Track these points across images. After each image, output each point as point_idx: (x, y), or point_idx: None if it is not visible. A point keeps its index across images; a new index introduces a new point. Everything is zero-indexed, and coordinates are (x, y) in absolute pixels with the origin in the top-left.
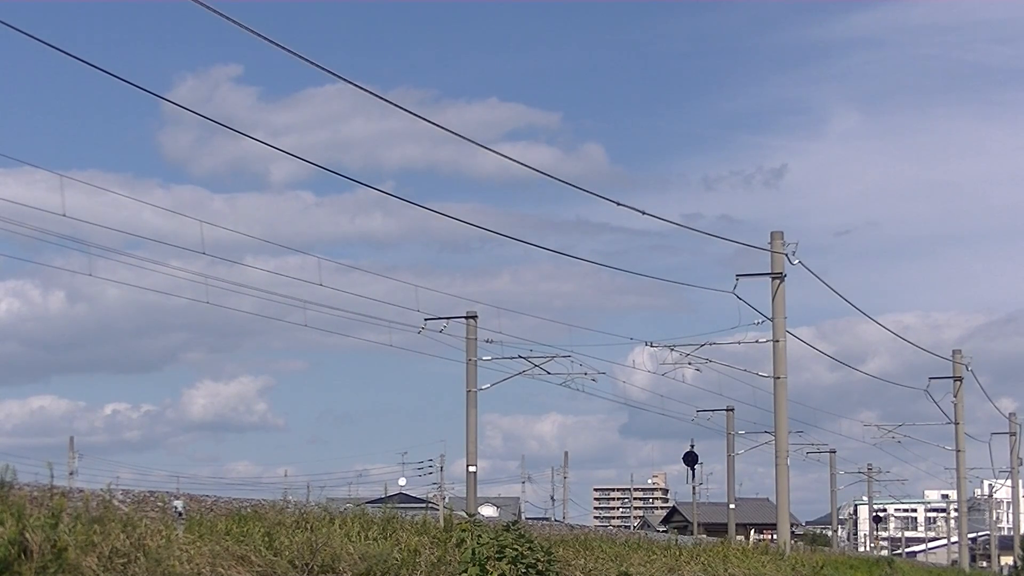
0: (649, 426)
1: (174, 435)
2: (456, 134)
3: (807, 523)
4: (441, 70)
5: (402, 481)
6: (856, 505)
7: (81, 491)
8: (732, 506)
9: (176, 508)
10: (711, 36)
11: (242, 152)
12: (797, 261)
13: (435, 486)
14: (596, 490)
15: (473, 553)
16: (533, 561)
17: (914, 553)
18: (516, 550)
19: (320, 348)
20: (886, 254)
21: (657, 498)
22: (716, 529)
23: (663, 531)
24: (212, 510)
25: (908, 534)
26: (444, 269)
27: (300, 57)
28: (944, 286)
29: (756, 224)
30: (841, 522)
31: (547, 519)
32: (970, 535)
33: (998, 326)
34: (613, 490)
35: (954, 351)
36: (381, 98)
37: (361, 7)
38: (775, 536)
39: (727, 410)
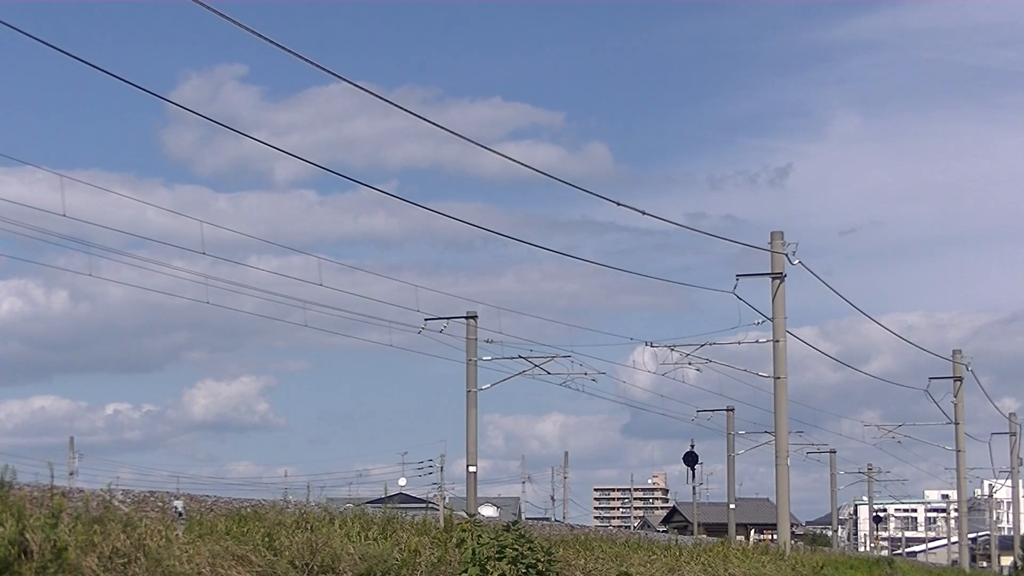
0: (650, 426)
1: (175, 435)
2: (458, 135)
3: (807, 523)
4: (445, 69)
5: (402, 481)
6: (856, 505)
7: (81, 491)
8: (732, 506)
9: (176, 508)
10: (713, 39)
11: (246, 151)
12: (797, 261)
13: (435, 486)
14: (596, 490)
15: (473, 553)
16: (533, 561)
17: (914, 553)
18: (516, 550)
19: (321, 348)
20: (890, 254)
21: (657, 498)
22: (716, 529)
23: (663, 531)
24: (212, 510)
25: (908, 534)
26: (448, 268)
27: (302, 58)
28: (947, 286)
29: (760, 224)
30: (841, 522)
31: (547, 519)
32: (970, 535)
33: (1001, 326)
34: (613, 490)
35: (954, 351)
36: (382, 99)
37: (365, 7)
38: (775, 536)
39: (727, 410)
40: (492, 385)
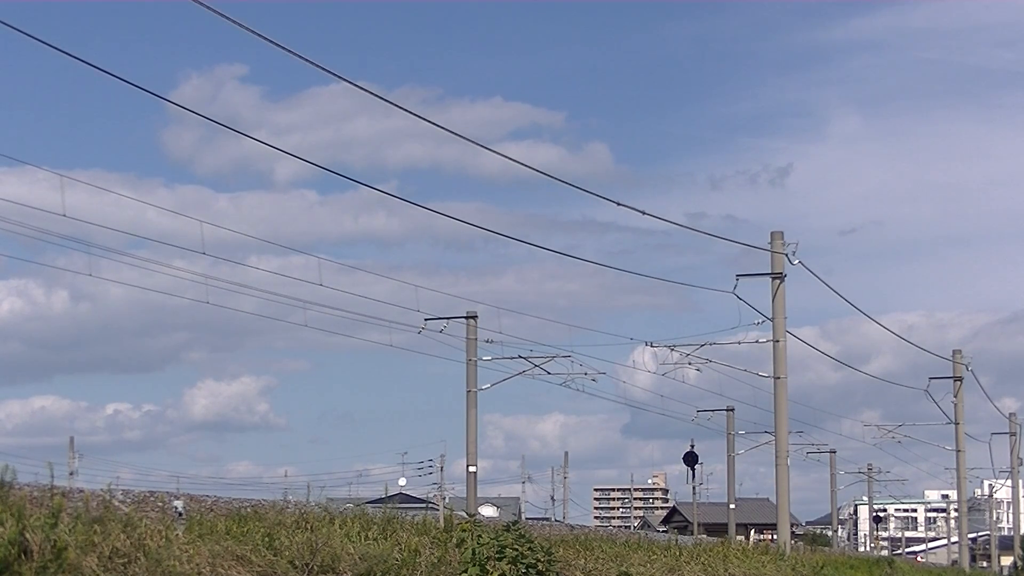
0: (650, 426)
1: (175, 435)
2: (458, 135)
3: (807, 523)
4: (445, 69)
5: (402, 481)
6: (856, 505)
7: (81, 491)
8: (732, 506)
9: (176, 508)
10: (714, 39)
11: (246, 151)
12: (797, 261)
13: (435, 486)
14: (596, 490)
15: (473, 553)
16: (533, 561)
17: (914, 553)
18: (516, 550)
19: (321, 348)
20: (890, 254)
21: (657, 498)
22: (716, 529)
23: (663, 531)
24: (212, 510)
25: (908, 534)
26: (448, 268)
27: (302, 58)
28: (947, 286)
29: (761, 224)
30: (841, 522)
31: (547, 519)
32: (970, 535)
33: (1001, 326)
34: (613, 490)
35: (954, 351)
36: (382, 99)
37: (365, 7)
38: (775, 536)
39: (727, 410)
40: (492, 385)
